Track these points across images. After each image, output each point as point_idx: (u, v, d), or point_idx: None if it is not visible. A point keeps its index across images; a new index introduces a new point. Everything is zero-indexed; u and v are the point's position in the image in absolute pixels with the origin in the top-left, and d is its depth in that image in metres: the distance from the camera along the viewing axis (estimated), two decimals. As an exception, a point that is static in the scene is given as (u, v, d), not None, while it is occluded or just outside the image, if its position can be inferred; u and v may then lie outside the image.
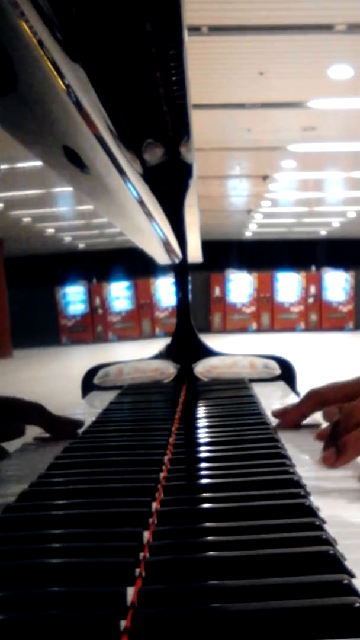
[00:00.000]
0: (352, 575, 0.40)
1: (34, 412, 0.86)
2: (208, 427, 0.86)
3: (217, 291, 15.63)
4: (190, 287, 1.44)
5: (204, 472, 0.64)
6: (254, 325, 15.60)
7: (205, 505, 0.55)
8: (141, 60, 0.73)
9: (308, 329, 15.52)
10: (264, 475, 0.61)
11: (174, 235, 1.29)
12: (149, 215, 0.94)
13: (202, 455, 0.71)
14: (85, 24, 0.57)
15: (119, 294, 14.39)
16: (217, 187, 10.16)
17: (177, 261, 1.41)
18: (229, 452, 0.71)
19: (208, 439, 0.79)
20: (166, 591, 0.39)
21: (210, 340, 1.47)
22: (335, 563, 0.42)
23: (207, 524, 0.50)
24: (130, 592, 0.39)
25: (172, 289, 1.43)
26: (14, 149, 0.56)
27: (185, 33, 0.68)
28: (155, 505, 0.55)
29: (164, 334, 12.74)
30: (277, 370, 1.34)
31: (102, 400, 1.17)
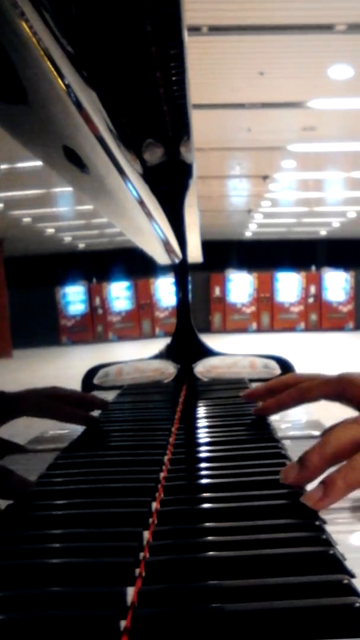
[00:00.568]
0: (352, 575, 0.40)
1: (24, 404, 0.80)
2: (208, 427, 0.86)
3: (217, 291, 15.64)
4: (190, 287, 1.43)
5: (204, 472, 0.64)
6: (254, 325, 15.60)
7: (205, 505, 0.55)
8: (141, 60, 0.73)
9: (308, 329, 15.53)
10: (264, 475, 0.61)
11: (174, 235, 1.29)
12: (149, 215, 0.94)
13: (202, 455, 0.71)
14: (85, 23, 0.57)
15: (119, 294, 14.40)
16: (217, 187, 10.16)
17: (177, 261, 1.41)
18: (229, 452, 0.71)
19: (208, 439, 0.79)
20: (166, 591, 0.39)
21: (210, 340, 1.47)
22: (335, 563, 0.42)
23: (207, 524, 0.50)
24: (130, 592, 0.39)
25: (172, 289, 1.43)
26: (14, 149, 0.56)
27: (185, 33, 0.68)
28: (155, 505, 0.55)
29: (164, 334, 12.74)
30: (277, 370, 1.34)
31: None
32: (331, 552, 0.42)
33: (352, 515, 0.53)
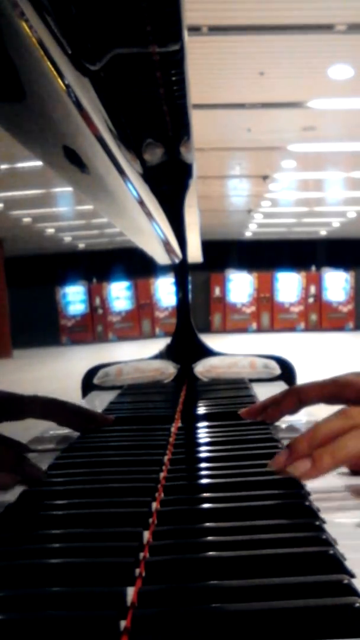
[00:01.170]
0: (352, 575, 0.40)
1: (33, 406, 0.82)
2: (208, 427, 0.86)
3: (217, 291, 15.64)
4: (190, 287, 1.43)
5: (204, 472, 0.64)
6: (254, 325, 15.60)
7: (205, 505, 0.55)
8: (141, 60, 0.73)
9: (308, 329, 15.53)
10: (264, 475, 0.61)
11: (174, 235, 1.29)
12: (149, 215, 0.94)
13: (202, 455, 0.71)
14: (85, 23, 0.57)
15: (119, 294, 14.40)
16: (217, 187, 10.16)
17: (177, 261, 1.41)
18: (229, 452, 0.71)
19: (208, 439, 0.79)
20: (166, 591, 0.39)
21: (210, 340, 1.47)
22: (335, 563, 0.42)
23: (207, 524, 0.50)
24: (130, 592, 0.39)
25: (172, 289, 1.43)
26: (14, 149, 0.56)
27: (185, 33, 0.68)
28: (155, 505, 0.55)
29: (164, 334, 12.74)
30: (277, 370, 1.34)
31: (102, 400, 1.17)
32: (331, 552, 0.42)
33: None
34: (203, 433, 0.83)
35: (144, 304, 14.28)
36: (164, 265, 1.60)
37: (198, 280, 14.52)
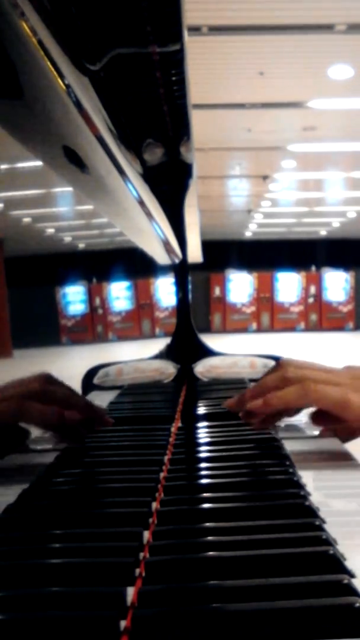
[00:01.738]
0: (352, 575, 0.40)
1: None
2: (208, 427, 0.86)
3: (217, 291, 15.63)
4: (190, 287, 1.43)
5: (204, 472, 0.64)
6: (254, 325, 15.60)
7: (205, 505, 0.55)
8: (141, 60, 0.73)
9: (308, 329, 15.53)
10: (264, 475, 0.61)
11: (174, 235, 1.29)
12: (149, 215, 0.94)
13: (202, 455, 0.71)
14: (85, 23, 0.57)
15: (119, 294, 14.39)
16: (217, 187, 10.16)
17: (177, 261, 1.41)
18: (229, 452, 0.71)
19: (208, 439, 0.79)
20: (166, 591, 0.39)
21: (210, 340, 1.47)
22: (335, 563, 0.42)
23: (207, 524, 0.50)
24: (130, 592, 0.39)
25: (172, 289, 1.43)
26: (14, 148, 0.56)
27: (185, 33, 0.68)
28: (155, 505, 0.55)
29: (164, 334, 12.73)
30: (277, 370, 1.34)
31: (102, 400, 1.17)
32: (331, 552, 0.42)
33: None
34: (203, 433, 0.83)
35: (144, 304, 14.27)
36: (164, 265, 1.60)
37: (198, 280, 14.51)
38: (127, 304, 14.34)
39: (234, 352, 1.44)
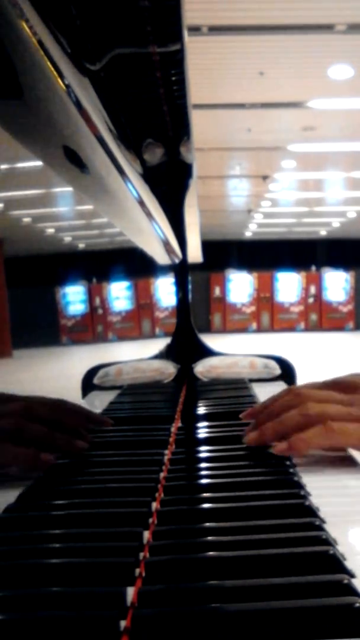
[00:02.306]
0: (352, 575, 0.40)
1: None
2: (208, 427, 0.86)
3: (217, 291, 15.62)
4: (190, 287, 1.43)
5: (204, 472, 0.64)
6: (254, 325, 15.60)
7: (205, 505, 0.55)
8: (141, 60, 0.73)
9: (308, 329, 15.52)
10: (264, 475, 0.61)
11: (174, 235, 1.29)
12: (149, 215, 0.94)
13: (202, 455, 0.71)
14: (85, 23, 0.57)
15: (119, 294, 14.39)
16: (217, 187, 10.15)
17: (177, 261, 1.41)
18: (229, 452, 0.71)
19: (208, 439, 0.79)
20: (166, 591, 0.39)
21: (210, 340, 1.47)
22: (335, 563, 0.42)
23: (207, 524, 0.50)
24: (130, 592, 0.39)
25: (172, 289, 1.43)
26: (14, 148, 0.56)
27: (185, 33, 0.68)
28: (155, 505, 0.55)
29: (164, 334, 12.74)
30: (277, 370, 1.34)
31: (102, 400, 1.17)
32: (331, 552, 0.42)
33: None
34: (203, 433, 0.83)
35: (144, 304, 14.27)
36: (164, 265, 1.60)
37: (198, 280, 14.51)
38: (127, 304, 14.34)
39: (233, 352, 1.44)
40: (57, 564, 0.44)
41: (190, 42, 0.71)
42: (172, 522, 0.51)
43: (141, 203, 0.86)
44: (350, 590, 0.38)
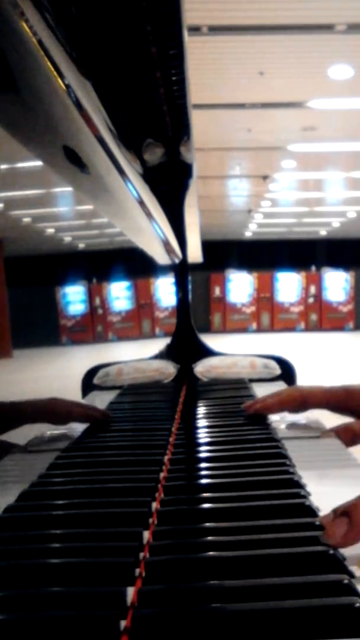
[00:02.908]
0: (352, 575, 0.40)
1: (28, 411, 0.83)
2: (208, 427, 0.86)
3: (217, 291, 15.62)
4: (190, 287, 1.43)
5: (204, 472, 0.64)
6: (254, 325, 15.59)
7: (205, 505, 0.55)
8: (141, 60, 0.73)
9: (308, 329, 15.52)
10: (264, 475, 0.61)
11: (174, 235, 1.29)
12: (149, 215, 0.94)
13: (202, 455, 0.71)
14: (85, 23, 0.57)
15: (119, 294, 14.39)
16: (217, 187, 10.15)
17: (177, 261, 1.41)
18: (229, 452, 0.71)
19: (208, 439, 0.79)
20: (166, 591, 0.39)
21: (210, 340, 1.47)
22: (335, 563, 0.42)
23: (207, 524, 0.50)
24: (130, 592, 0.39)
25: (172, 289, 1.43)
26: (14, 149, 0.56)
27: (185, 33, 0.68)
28: (155, 505, 0.55)
29: (164, 334, 12.74)
30: (277, 370, 1.34)
31: (102, 400, 1.17)
32: (331, 552, 0.42)
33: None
34: (203, 433, 0.83)
35: (144, 304, 14.27)
36: (164, 265, 1.60)
37: (198, 280, 14.51)
38: (127, 304, 14.34)
39: (233, 352, 1.44)
40: (57, 563, 0.44)
41: (190, 42, 0.71)
42: (172, 522, 0.51)
43: (141, 203, 0.86)
44: (350, 590, 0.38)
